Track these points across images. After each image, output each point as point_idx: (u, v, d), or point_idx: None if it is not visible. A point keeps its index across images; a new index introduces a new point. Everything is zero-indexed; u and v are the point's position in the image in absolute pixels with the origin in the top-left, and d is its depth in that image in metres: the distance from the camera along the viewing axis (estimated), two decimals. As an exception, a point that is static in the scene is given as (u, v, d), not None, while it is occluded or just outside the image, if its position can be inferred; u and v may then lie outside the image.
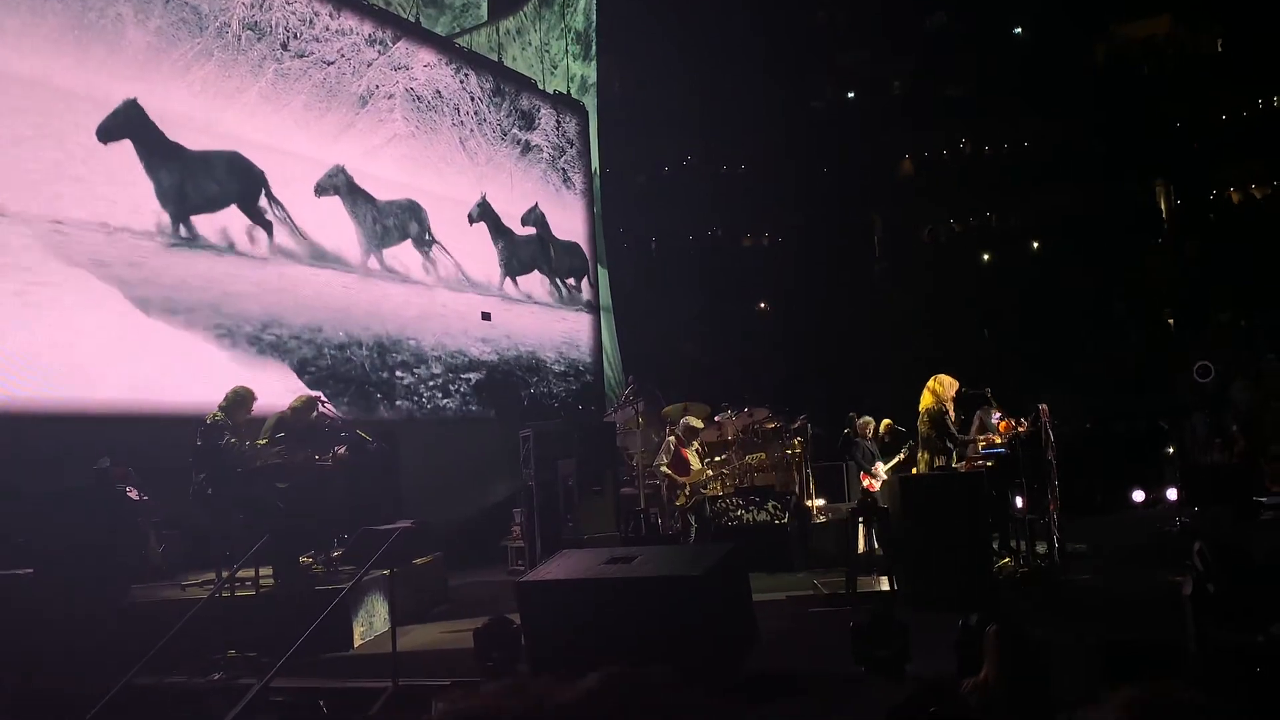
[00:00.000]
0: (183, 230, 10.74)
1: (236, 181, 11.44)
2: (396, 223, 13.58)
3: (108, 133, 10.10)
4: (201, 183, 11.00)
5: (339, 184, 12.71)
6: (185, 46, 11.08)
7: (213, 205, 11.12)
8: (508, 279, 15.64)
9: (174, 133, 10.78)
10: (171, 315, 10.54)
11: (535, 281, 16.41)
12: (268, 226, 11.69)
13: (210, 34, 11.34)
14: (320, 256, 12.39)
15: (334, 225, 12.67)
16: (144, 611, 8.05)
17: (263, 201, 11.67)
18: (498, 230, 15.45)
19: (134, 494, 9.32)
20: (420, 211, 13.96)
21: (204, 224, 11.05)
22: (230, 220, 11.34)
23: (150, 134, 10.47)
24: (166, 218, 10.67)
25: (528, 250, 16.16)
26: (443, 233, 14.38)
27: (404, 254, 13.73)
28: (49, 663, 7.22)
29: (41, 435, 9.09)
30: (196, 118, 11.11)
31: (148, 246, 10.43)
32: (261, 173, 11.69)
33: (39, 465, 8.75)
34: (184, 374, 10.42)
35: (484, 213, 15.20)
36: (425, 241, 14.04)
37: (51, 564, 8.27)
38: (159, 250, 10.54)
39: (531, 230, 16.36)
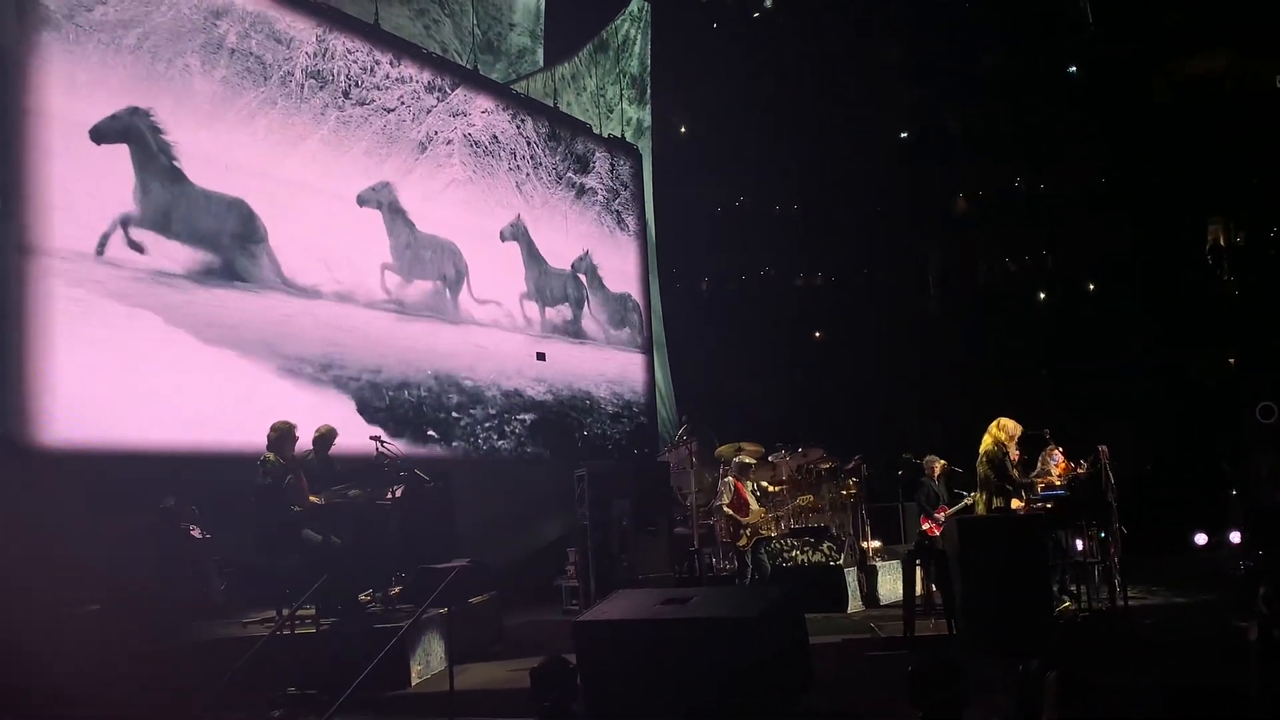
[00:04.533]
0: (130, 238, 10.07)
1: (233, 225, 11.10)
2: (433, 258, 13.57)
3: (102, 135, 9.80)
4: (193, 215, 10.65)
5: (382, 199, 12.81)
6: (250, 95, 11.38)
7: (197, 241, 10.67)
8: (533, 304, 15.49)
9: (235, 178, 11.06)
10: (233, 354, 10.76)
11: (582, 321, 16.51)
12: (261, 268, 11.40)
13: (274, 83, 11.64)
14: (371, 301, 12.57)
15: (381, 271, 12.88)
16: (205, 649, 8.15)
17: (262, 255, 11.37)
18: (530, 253, 15.40)
19: (197, 532, 9.48)
20: (459, 256, 13.97)
21: (259, 264, 11.29)
22: (285, 260, 11.55)
23: (148, 143, 10.19)
24: (235, 259, 10.94)
25: (559, 283, 16.14)
26: (496, 274, 14.58)
27: (453, 295, 13.88)
28: (114, 699, 7.34)
29: (108, 474, 9.25)
30: (259, 164, 11.39)
31: (208, 286, 10.67)
32: (263, 226, 11.38)
33: (106, 504, 8.91)
34: (246, 413, 10.58)
35: (517, 232, 15.14)
36: (462, 284, 14.03)
37: (118, 601, 8.41)
38: (218, 290, 10.78)
39: (576, 272, 16.49)
